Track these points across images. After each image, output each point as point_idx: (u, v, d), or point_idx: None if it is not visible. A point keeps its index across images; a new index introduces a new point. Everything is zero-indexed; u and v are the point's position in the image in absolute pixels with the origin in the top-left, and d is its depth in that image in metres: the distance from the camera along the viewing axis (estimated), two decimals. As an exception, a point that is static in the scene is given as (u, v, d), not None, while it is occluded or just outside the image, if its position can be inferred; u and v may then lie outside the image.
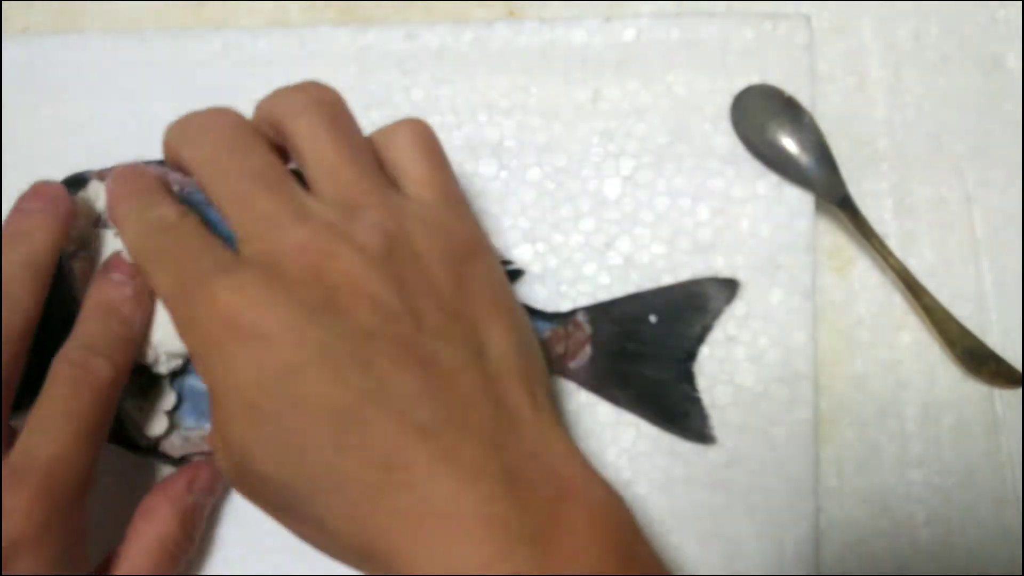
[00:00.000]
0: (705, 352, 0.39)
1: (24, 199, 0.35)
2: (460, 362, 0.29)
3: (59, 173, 0.41)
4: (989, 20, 0.43)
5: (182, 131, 0.34)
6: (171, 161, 0.35)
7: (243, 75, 0.42)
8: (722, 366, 0.39)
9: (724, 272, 0.40)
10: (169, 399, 0.38)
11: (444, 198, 0.33)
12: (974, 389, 0.40)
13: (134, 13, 0.46)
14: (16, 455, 0.30)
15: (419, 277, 0.30)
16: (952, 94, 0.43)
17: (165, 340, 0.35)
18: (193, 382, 0.38)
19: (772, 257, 0.40)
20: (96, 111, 0.43)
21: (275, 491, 0.29)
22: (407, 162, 0.33)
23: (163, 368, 0.36)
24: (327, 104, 0.33)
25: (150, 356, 0.36)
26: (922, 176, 0.42)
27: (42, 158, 0.41)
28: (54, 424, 0.31)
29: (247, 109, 0.42)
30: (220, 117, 0.33)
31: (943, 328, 0.40)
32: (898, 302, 0.41)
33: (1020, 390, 0.40)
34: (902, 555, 0.38)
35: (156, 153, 0.41)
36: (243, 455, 0.29)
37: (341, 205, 0.31)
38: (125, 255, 0.35)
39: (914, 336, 0.41)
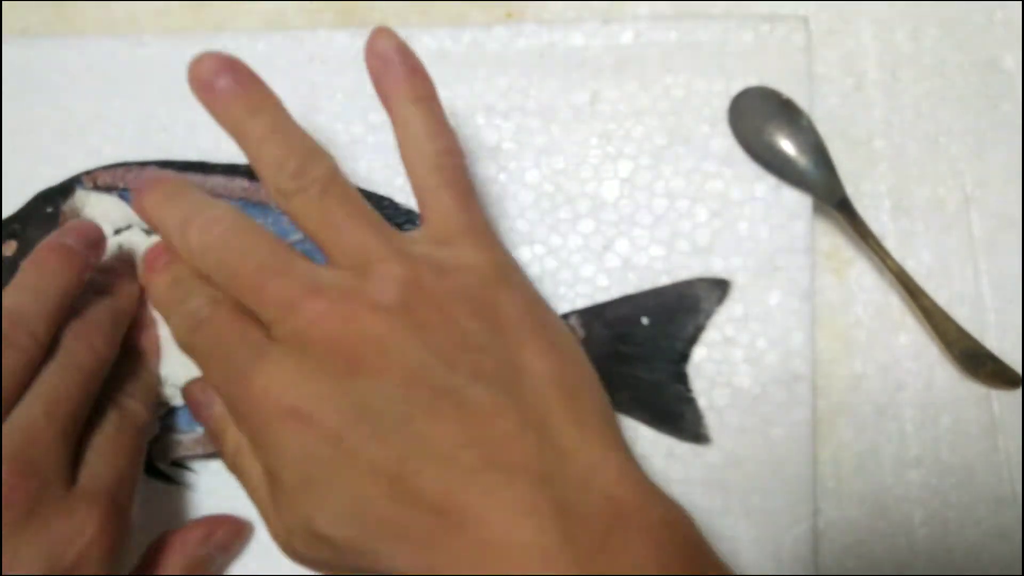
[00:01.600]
0: (703, 354, 0.39)
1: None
2: (497, 399, 0.30)
3: (59, 175, 0.41)
4: (987, 22, 0.43)
5: (179, 218, 0.34)
6: (149, 223, 0.35)
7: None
8: (720, 368, 0.39)
9: (722, 274, 0.40)
10: (160, 407, 0.39)
11: (463, 229, 0.33)
12: (972, 390, 0.40)
13: (132, 14, 0.46)
14: (85, 480, 0.33)
15: (441, 320, 0.31)
16: (950, 95, 0.43)
17: (172, 375, 0.38)
18: None
19: (770, 259, 0.40)
20: (96, 113, 0.43)
21: (343, 553, 0.30)
22: (427, 194, 0.34)
23: (174, 401, 0.38)
24: (320, 177, 0.33)
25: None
26: (920, 177, 0.42)
27: (42, 160, 0.41)
28: (111, 455, 0.34)
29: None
30: (215, 208, 0.34)
31: (941, 329, 0.40)
32: (896, 303, 0.41)
33: (1018, 391, 0.40)
34: (900, 556, 0.39)
35: (154, 154, 0.42)
36: (307, 525, 0.30)
37: (353, 268, 0.32)
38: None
39: (912, 337, 0.41)
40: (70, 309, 0.35)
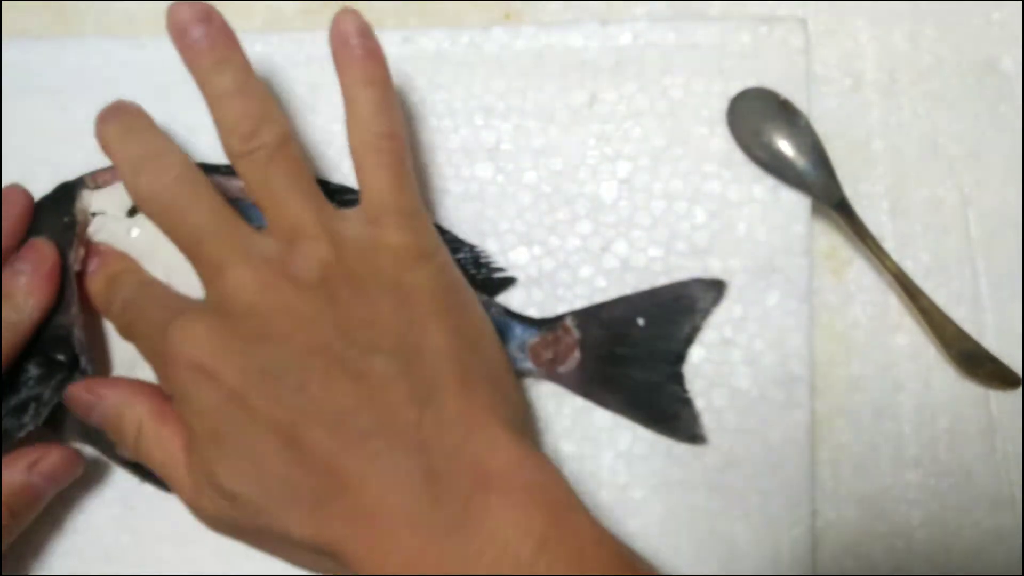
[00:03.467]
0: (702, 355, 0.39)
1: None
2: (392, 371, 0.32)
3: (57, 177, 0.41)
4: (984, 23, 0.43)
5: (134, 157, 0.35)
6: (106, 153, 0.36)
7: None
8: (718, 369, 0.39)
9: (721, 275, 0.40)
10: None
11: (393, 210, 0.35)
12: (970, 391, 0.40)
13: (131, 15, 0.46)
14: None
15: (354, 299, 0.33)
16: (947, 96, 0.43)
17: None
18: None
19: (768, 260, 0.40)
20: (94, 115, 0.42)
21: (242, 510, 0.32)
22: (365, 173, 0.35)
23: None
24: (269, 143, 0.34)
25: None
26: (918, 178, 0.42)
27: (40, 162, 0.41)
28: None
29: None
30: (168, 156, 0.35)
31: (939, 330, 0.40)
32: (894, 304, 0.41)
33: (1017, 391, 0.40)
34: (898, 557, 0.39)
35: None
36: (210, 476, 0.32)
37: (285, 240, 0.34)
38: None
39: (910, 338, 0.41)
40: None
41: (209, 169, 0.41)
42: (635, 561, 0.31)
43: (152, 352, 0.35)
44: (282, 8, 0.45)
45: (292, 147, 0.35)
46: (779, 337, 0.39)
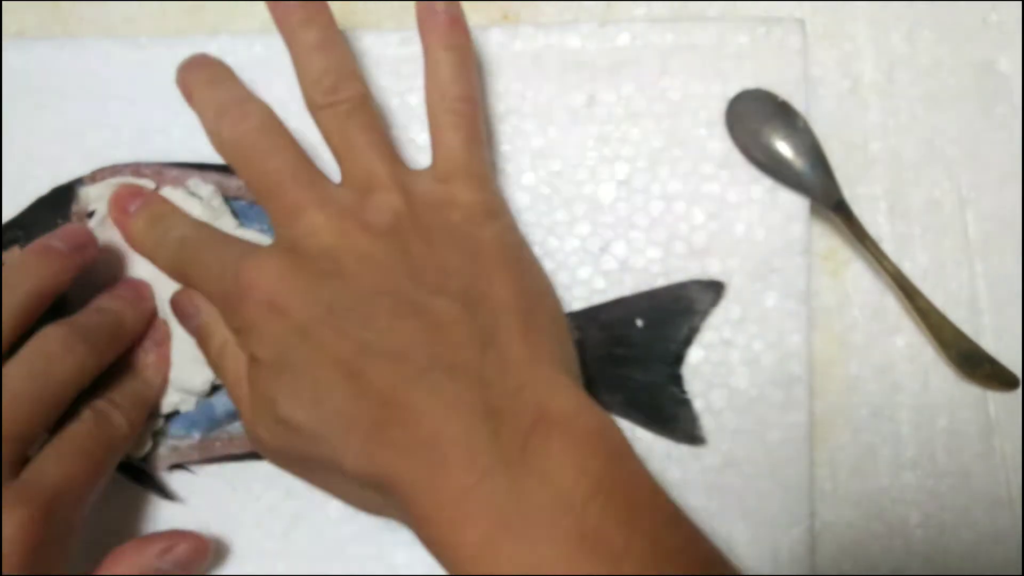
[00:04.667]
0: (700, 355, 0.39)
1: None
2: (455, 312, 0.33)
3: (56, 178, 0.41)
4: (981, 24, 0.43)
5: (217, 103, 0.37)
6: (187, 100, 0.38)
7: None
8: (717, 369, 0.39)
9: (719, 276, 0.40)
10: (158, 421, 0.39)
11: (462, 169, 0.36)
12: (968, 392, 0.40)
13: (129, 15, 0.46)
14: (29, 473, 0.33)
15: (422, 246, 0.34)
16: (945, 98, 0.43)
17: (180, 378, 0.38)
18: None
19: (767, 261, 0.40)
20: (93, 116, 0.42)
21: (301, 438, 0.32)
22: (438, 132, 0.37)
23: (166, 408, 0.39)
24: (351, 98, 0.36)
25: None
26: (915, 179, 0.42)
27: (39, 163, 0.41)
28: (68, 457, 0.34)
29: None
30: (251, 103, 0.36)
31: (938, 331, 0.40)
32: (892, 305, 0.41)
33: (1016, 392, 0.40)
34: (896, 557, 0.39)
35: (152, 157, 0.42)
36: (270, 404, 0.33)
37: (360, 191, 0.35)
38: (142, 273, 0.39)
39: (908, 339, 0.41)
40: (44, 308, 0.36)
41: (206, 168, 0.41)
42: (683, 518, 0.31)
43: (216, 288, 0.35)
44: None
45: (370, 105, 0.37)
46: (778, 338, 0.39)
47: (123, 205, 0.39)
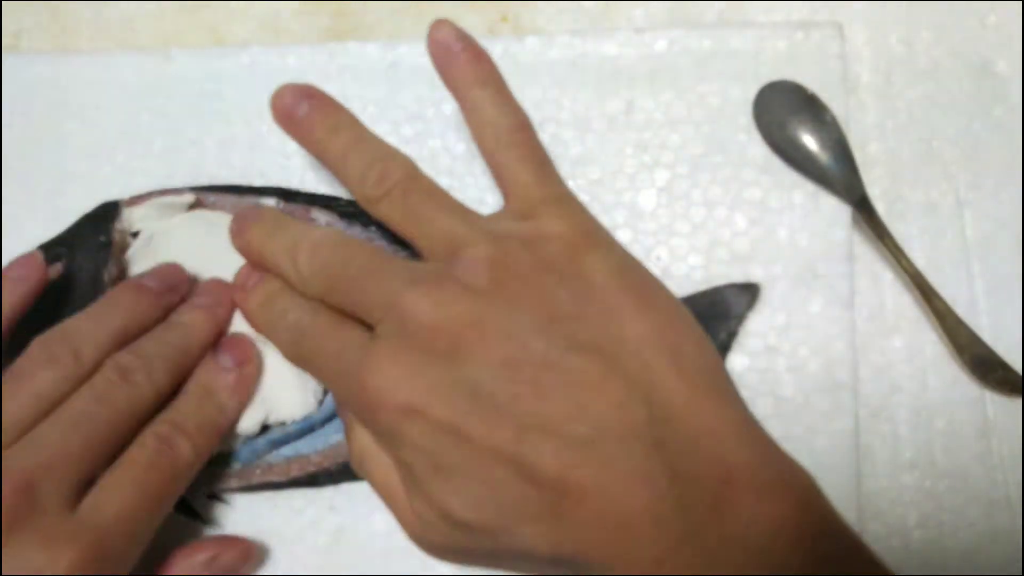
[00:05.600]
0: (745, 363, 0.39)
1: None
2: (599, 367, 0.30)
3: (88, 192, 0.40)
4: (979, 26, 0.43)
5: (287, 250, 0.35)
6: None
7: (272, 91, 0.42)
8: (763, 377, 0.39)
9: (763, 282, 0.39)
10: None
11: (543, 200, 0.34)
12: (966, 393, 0.40)
13: (128, 16, 0.46)
14: (84, 508, 0.32)
15: (532, 293, 0.31)
16: (943, 99, 0.43)
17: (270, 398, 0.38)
18: None
19: (810, 267, 0.40)
20: (124, 130, 0.42)
21: (478, 536, 0.30)
22: (505, 171, 0.35)
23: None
24: (400, 179, 0.34)
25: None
26: (913, 181, 0.42)
27: (71, 178, 0.41)
28: (125, 489, 0.33)
29: (276, 127, 0.42)
30: (315, 234, 0.35)
31: (953, 334, 0.40)
32: (891, 306, 0.41)
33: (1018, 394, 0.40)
34: (895, 558, 0.39)
35: (184, 170, 0.41)
36: (443, 512, 0.30)
37: (444, 257, 0.33)
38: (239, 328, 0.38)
39: (907, 340, 0.41)
40: (129, 342, 0.35)
41: (241, 191, 0.41)
42: (881, 564, 0.30)
43: (342, 390, 0.33)
44: (279, 10, 0.45)
45: (420, 174, 0.35)
46: (823, 344, 0.39)
47: (241, 280, 0.37)
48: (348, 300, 0.33)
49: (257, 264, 0.36)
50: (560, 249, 0.33)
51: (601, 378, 0.30)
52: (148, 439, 0.34)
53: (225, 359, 0.37)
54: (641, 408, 0.30)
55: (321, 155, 0.36)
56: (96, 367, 0.34)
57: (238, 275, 0.37)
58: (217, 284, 0.38)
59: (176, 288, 0.37)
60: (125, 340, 0.35)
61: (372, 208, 0.35)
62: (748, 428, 0.31)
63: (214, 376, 0.36)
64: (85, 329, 0.34)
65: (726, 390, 0.32)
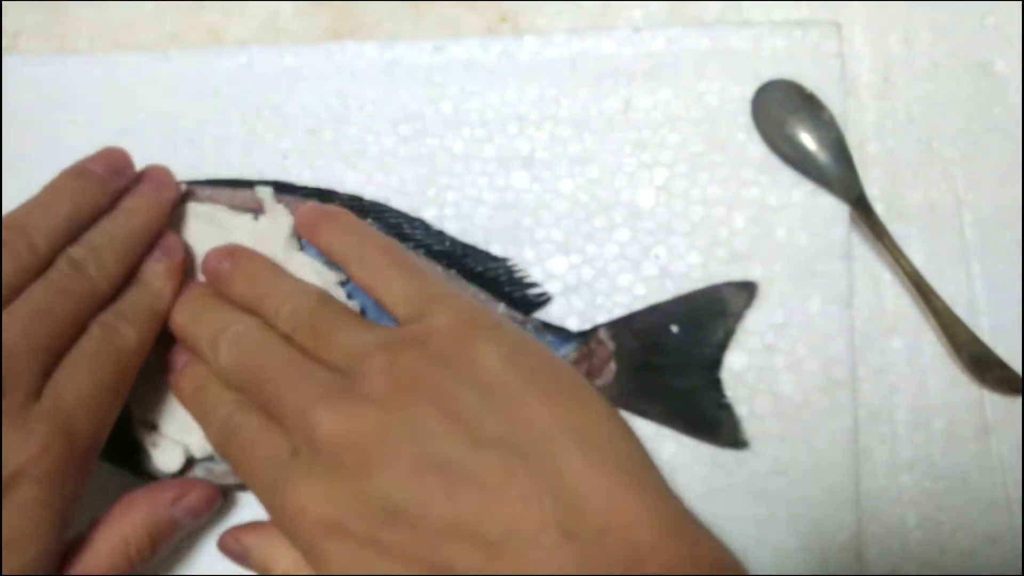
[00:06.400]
0: (744, 361, 0.39)
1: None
2: (505, 463, 0.31)
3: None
4: (978, 26, 0.43)
5: (209, 338, 0.37)
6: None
7: (270, 90, 0.42)
8: (761, 375, 0.39)
9: (762, 280, 0.39)
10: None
11: (422, 300, 0.35)
12: (965, 393, 0.40)
13: (127, 17, 0.46)
14: (45, 396, 0.33)
15: (431, 393, 0.32)
16: (942, 99, 0.43)
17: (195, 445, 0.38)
18: None
19: (809, 265, 0.39)
20: (122, 128, 0.42)
21: None
22: (379, 286, 0.36)
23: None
24: (313, 309, 0.36)
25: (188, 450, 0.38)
26: (912, 181, 0.42)
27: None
28: (81, 377, 0.34)
29: (273, 126, 0.42)
30: (237, 326, 0.36)
31: (951, 333, 0.40)
32: (890, 307, 0.41)
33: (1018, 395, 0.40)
34: (893, 559, 0.39)
35: (182, 168, 0.41)
36: None
37: (344, 370, 0.34)
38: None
39: (906, 341, 0.41)
40: (78, 230, 0.36)
41: (236, 184, 0.41)
42: None
43: (265, 501, 0.34)
44: (279, 10, 0.45)
45: (331, 302, 0.37)
46: (821, 343, 0.39)
47: (171, 360, 0.38)
48: (263, 401, 0.34)
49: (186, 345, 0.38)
50: (448, 342, 0.33)
51: (507, 474, 0.30)
52: (94, 329, 0.35)
53: (155, 251, 0.38)
54: (548, 501, 0.30)
55: (244, 304, 0.37)
56: (50, 257, 0.35)
57: (169, 353, 0.38)
58: (159, 170, 0.39)
59: (120, 171, 0.38)
60: (75, 227, 0.36)
61: (291, 338, 0.36)
62: (655, 507, 0.31)
63: (149, 266, 0.38)
64: (35, 219, 0.35)
65: (635, 468, 0.32)
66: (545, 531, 0.29)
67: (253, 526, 0.36)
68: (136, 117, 0.42)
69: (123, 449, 0.38)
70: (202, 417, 0.37)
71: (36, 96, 0.43)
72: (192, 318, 0.37)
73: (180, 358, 0.38)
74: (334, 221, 0.38)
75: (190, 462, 0.39)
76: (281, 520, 0.33)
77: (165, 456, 0.38)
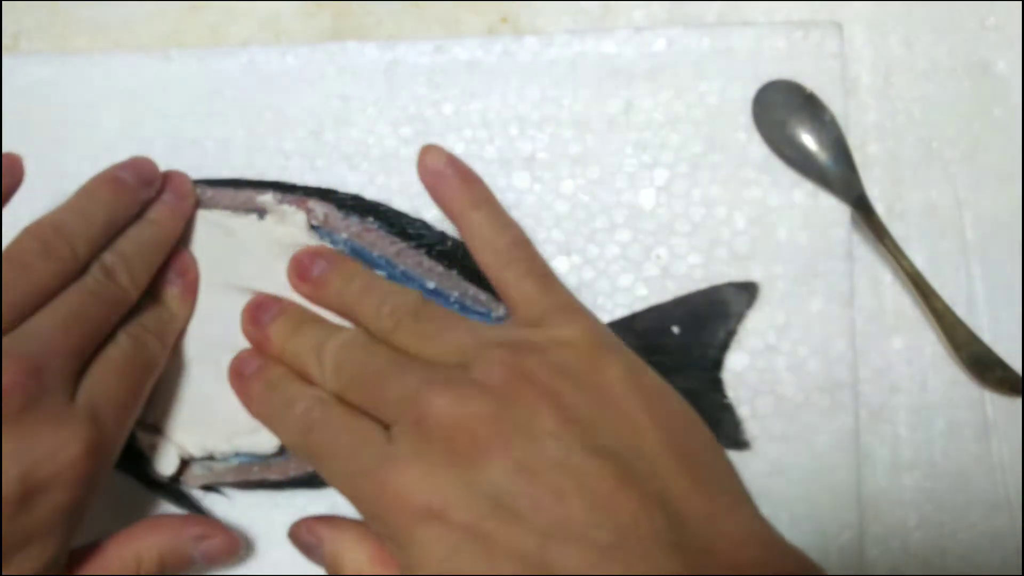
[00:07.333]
0: (745, 362, 0.39)
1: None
2: (616, 472, 0.31)
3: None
4: (979, 26, 0.43)
5: (312, 348, 0.37)
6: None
7: (271, 91, 0.42)
8: (762, 376, 0.39)
9: (762, 281, 0.39)
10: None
11: (550, 310, 0.36)
12: (965, 393, 0.40)
13: (127, 17, 0.46)
14: (82, 400, 0.33)
15: (547, 397, 0.32)
16: (942, 100, 0.43)
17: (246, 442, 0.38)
18: None
19: (810, 266, 0.40)
20: (123, 130, 0.42)
21: None
22: (509, 287, 0.37)
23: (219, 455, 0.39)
24: (407, 310, 0.36)
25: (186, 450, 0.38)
26: (913, 182, 0.42)
27: (70, 178, 0.41)
28: (111, 382, 0.34)
29: (274, 125, 0.42)
30: (340, 334, 0.37)
31: (952, 333, 0.40)
32: (890, 307, 0.41)
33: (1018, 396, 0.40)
34: (894, 559, 0.39)
35: (185, 171, 0.41)
36: None
37: (459, 363, 0.34)
38: None
39: (906, 341, 0.41)
40: (112, 238, 0.37)
41: (238, 184, 0.41)
42: None
43: (350, 487, 0.33)
44: (279, 10, 0.45)
45: (430, 303, 0.37)
46: (823, 343, 0.39)
47: (238, 366, 0.38)
48: (366, 395, 0.34)
49: (259, 349, 0.38)
50: (575, 355, 0.34)
51: (619, 482, 0.31)
52: (123, 337, 0.36)
53: (169, 272, 0.39)
54: (659, 513, 0.30)
55: (338, 304, 0.38)
56: (87, 263, 0.36)
57: (235, 360, 0.38)
58: (181, 177, 0.40)
59: (150, 183, 0.39)
60: (109, 235, 0.37)
61: (389, 339, 0.36)
62: (756, 529, 0.32)
63: (164, 288, 0.39)
64: (76, 225, 0.36)
65: (735, 490, 0.33)
66: (657, 543, 0.30)
67: (329, 518, 0.36)
68: (136, 117, 0.42)
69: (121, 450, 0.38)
70: (275, 415, 0.37)
71: (36, 96, 0.43)
72: (291, 329, 0.37)
73: (252, 363, 0.38)
74: (471, 188, 0.39)
75: (188, 462, 0.39)
76: (373, 507, 0.32)
77: (163, 456, 0.38)
